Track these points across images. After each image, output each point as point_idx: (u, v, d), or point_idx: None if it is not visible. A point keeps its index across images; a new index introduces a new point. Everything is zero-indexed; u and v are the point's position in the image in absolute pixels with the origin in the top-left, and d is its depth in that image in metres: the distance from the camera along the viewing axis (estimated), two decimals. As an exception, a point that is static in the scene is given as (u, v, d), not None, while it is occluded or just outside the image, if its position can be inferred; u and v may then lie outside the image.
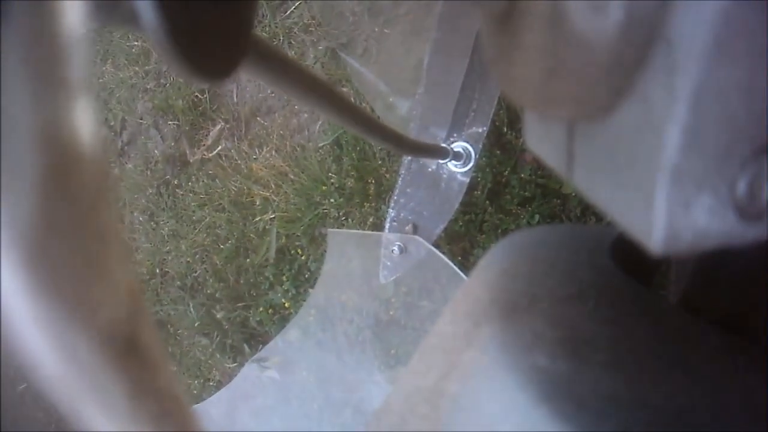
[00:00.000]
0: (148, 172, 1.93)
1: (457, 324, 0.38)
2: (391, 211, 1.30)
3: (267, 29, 1.72)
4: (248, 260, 1.69)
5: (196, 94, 1.85)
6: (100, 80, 2.04)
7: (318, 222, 1.59)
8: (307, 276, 1.60)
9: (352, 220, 1.52)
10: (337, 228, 1.52)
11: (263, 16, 1.72)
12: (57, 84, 0.15)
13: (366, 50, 1.56)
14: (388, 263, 1.31)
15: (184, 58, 0.24)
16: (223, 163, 1.77)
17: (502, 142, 1.38)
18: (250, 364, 1.54)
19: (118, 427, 0.18)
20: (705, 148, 0.20)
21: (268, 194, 1.66)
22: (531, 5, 0.23)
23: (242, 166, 1.73)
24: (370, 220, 1.50)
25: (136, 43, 1.99)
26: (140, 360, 0.18)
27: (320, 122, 1.65)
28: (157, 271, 1.87)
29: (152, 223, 1.90)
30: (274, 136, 1.70)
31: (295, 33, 1.69)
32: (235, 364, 1.67)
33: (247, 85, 1.78)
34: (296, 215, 1.61)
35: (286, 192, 1.64)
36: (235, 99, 1.80)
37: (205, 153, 1.82)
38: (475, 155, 1.23)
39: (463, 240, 1.40)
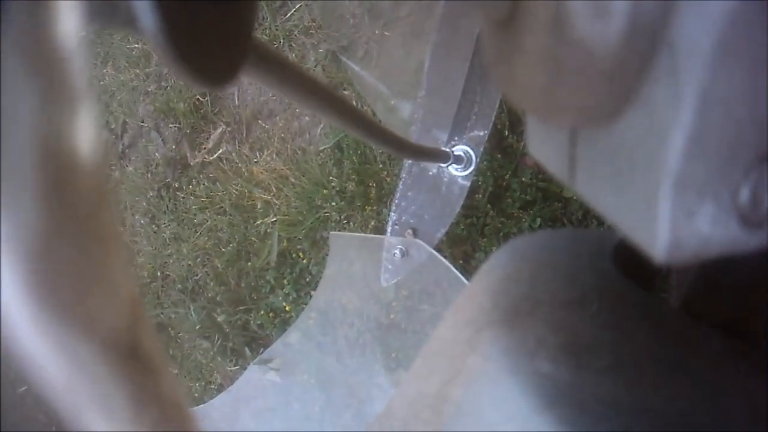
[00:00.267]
0: (149, 175, 1.93)
1: (459, 329, 0.38)
2: (392, 214, 1.30)
3: (267, 32, 1.72)
4: (249, 264, 1.69)
5: (198, 97, 1.85)
6: (101, 83, 2.04)
7: (319, 225, 1.59)
8: (308, 279, 1.60)
9: (354, 224, 1.52)
10: (339, 231, 1.51)
11: (263, 18, 1.72)
12: (57, 89, 0.15)
13: (367, 53, 1.56)
14: (390, 267, 1.31)
15: (185, 62, 0.24)
16: (224, 166, 1.77)
17: (504, 146, 1.38)
18: (252, 367, 1.54)
19: (120, 432, 0.18)
20: (708, 154, 0.20)
21: (269, 197, 1.66)
22: (533, 9, 0.23)
23: (243, 170, 1.73)
24: (372, 223, 1.50)
25: (136, 45, 1.99)
26: (142, 367, 0.18)
27: (321, 126, 1.65)
28: (158, 274, 1.87)
29: (153, 226, 1.90)
30: (276, 139, 1.70)
31: (295, 36, 1.69)
32: (237, 367, 1.67)
33: (248, 88, 1.78)
34: (297, 219, 1.61)
35: (287, 195, 1.64)
36: (236, 102, 1.80)
37: (206, 156, 1.82)
38: (476, 159, 1.23)
39: (464, 243, 1.40)
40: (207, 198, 1.79)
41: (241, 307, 1.70)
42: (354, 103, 1.55)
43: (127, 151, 2.01)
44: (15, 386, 1.96)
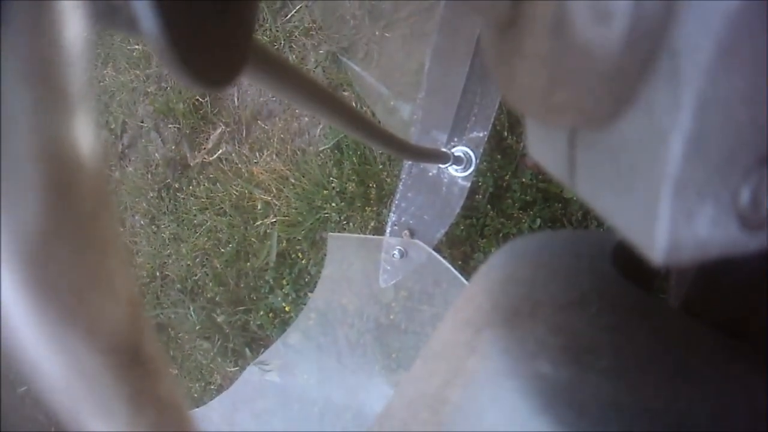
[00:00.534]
0: (149, 176, 1.93)
1: (459, 330, 0.38)
2: (392, 215, 1.30)
3: (268, 33, 1.72)
4: (249, 264, 1.69)
5: (197, 97, 1.85)
6: (101, 84, 2.04)
7: (319, 226, 1.59)
8: (307, 280, 1.60)
9: (353, 225, 1.52)
10: (339, 232, 1.52)
11: (264, 19, 1.72)
12: (58, 92, 0.15)
13: (367, 54, 1.56)
14: (389, 267, 1.31)
15: (185, 64, 0.24)
16: (224, 166, 1.77)
17: (503, 147, 1.38)
18: (251, 367, 1.54)
19: (118, 435, 0.18)
20: (708, 157, 0.20)
21: (269, 198, 1.67)
22: (533, 12, 0.23)
23: (243, 170, 1.73)
24: (372, 224, 1.50)
25: (136, 46, 1.99)
26: (141, 370, 0.18)
27: (321, 126, 1.65)
28: (158, 274, 1.87)
29: (153, 226, 1.90)
30: (275, 140, 1.70)
31: (295, 37, 1.70)
32: (237, 368, 1.67)
33: (248, 89, 1.78)
34: (297, 219, 1.61)
35: (287, 196, 1.64)
36: (236, 102, 1.80)
37: (206, 156, 1.82)
38: (476, 160, 1.23)
39: (464, 244, 1.40)
40: (207, 198, 1.79)
41: (240, 308, 1.70)
42: (354, 104, 1.55)
43: (126, 151, 2.01)
44: (15, 387, 1.96)
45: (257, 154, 1.73)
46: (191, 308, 1.77)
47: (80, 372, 0.17)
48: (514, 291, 0.39)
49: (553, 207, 1.33)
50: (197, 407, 1.61)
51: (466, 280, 1.21)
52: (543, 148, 0.30)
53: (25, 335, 0.16)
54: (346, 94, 1.60)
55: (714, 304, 0.46)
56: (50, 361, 0.16)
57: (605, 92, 0.21)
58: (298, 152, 1.66)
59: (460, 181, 1.25)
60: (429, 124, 1.27)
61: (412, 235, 1.28)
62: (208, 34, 0.26)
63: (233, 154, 1.77)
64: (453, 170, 1.25)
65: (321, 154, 1.61)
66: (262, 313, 1.64)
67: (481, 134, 1.23)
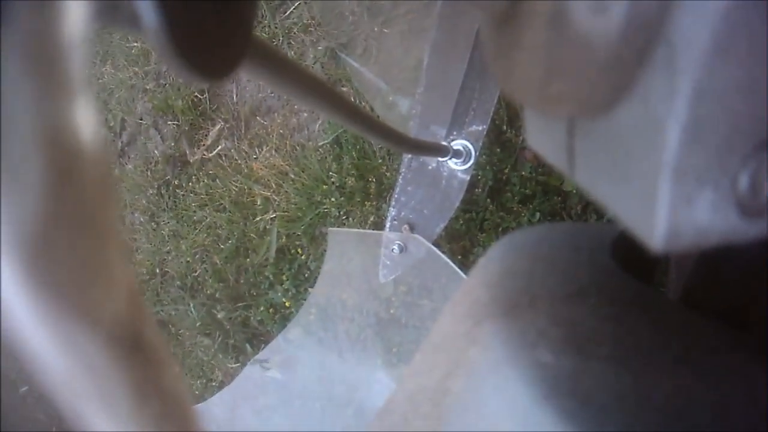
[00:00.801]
0: (149, 173, 1.93)
1: (458, 323, 0.38)
2: (391, 209, 1.30)
3: (266, 29, 1.72)
4: (248, 260, 1.69)
5: (196, 94, 1.85)
6: (100, 81, 2.04)
7: (319, 221, 1.59)
8: (307, 275, 1.60)
9: (353, 219, 1.52)
10: (338, 227, 1.52)
11: (263, 16, 1.72)
12: (59, 85, 0.15)
13: (366, 50, 1.56)
14: (388, 262, 1.31)
15: (185, 59, 0.24)
16: (224, 162, 1.77)
17: (502, 140, 1.38)
18: (252, 364, 1.54)
19: (120, 427, 0.18)
20: (706, 144, 0.20)
21: (268, 194, 1.67)
22: (531, 5, 0.23)
23: (242, 166, 1.73)
24: (371, 218, 1.50)
25: (135, 44, 1.99)
26: (144, 358, 0.18)
27: (320, 121, 1.65)
28: (158, 271, 1.87)
29: (153, 223, 1.90)
30: (274, 135, 1.70)
31: (294, 33, 1.69)
32: (238, 364, 1.67)
33: (246, 85, 1.78)
34: (297, 215, 1.61)
35: (286, 191, 1.64)
36: (234, 99, 1.80)
37: (205, 153, 1.82)
38: (476, 153, 1.23)
39: (463, 238, 1.40)
40: (206, 195, 1.79)
41: (240, 304, 1.70)
42: (353, 99, 1.55)
43: (126, 148, 2.01)
44: (16, 386, 1.96)
45: (256, 149, 1.72)
46: (191, 305, 1.77)
47: (82, 361, 0.17)
48: (512, 283, 0.39)
49: (553, 200, 1.34)
50: (198, 404, 1.61)
51: (466, 274, 1.21)
52: (542, 138, 0.30)
53: (25, 324, 0.16)
54: (345, 89, 1.60)
55: (714, 293, 0.46)
56: (51, 350, 0.16)
57: (603, 82, 0.21)
58: (298, 147, 1.66)
59: (459, 174, 1.25)
60: (428, 118, 1.27)
61: (412, 229, 1.28)
62: (208, 29, 0.26)
63: (232, 150, 1.76)
64: (452, 163, 1.25)
65: (320, 149, 1.61)
66: (262, 308, 1.64)
67: (480, 128, 1.23)
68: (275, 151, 1.69)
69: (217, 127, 1.81)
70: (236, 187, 1.73)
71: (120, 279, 0.17)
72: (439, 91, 1.25)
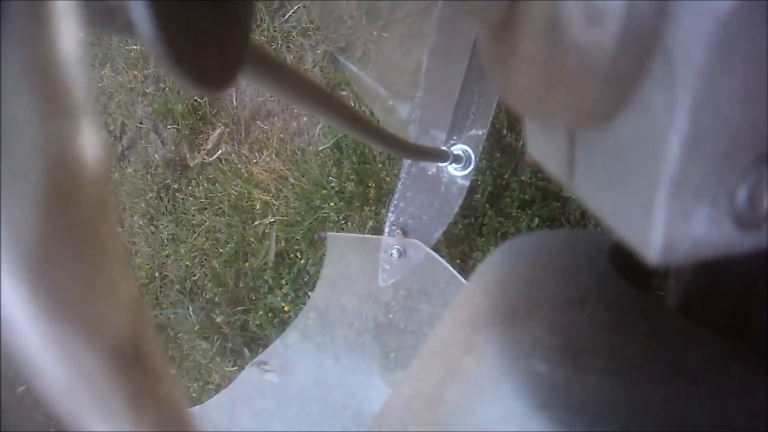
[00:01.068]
0: (148, 177, 1.93)
1: (456, 329, 0.38)
2: (390, 214, 1.30)
3: (265, 33, 1.72)
4: (247, 264, 1.69)
5: (196, 98, 1.85)
6: (99, 84, 2.04)
7: (318, 226, 1.59)
8: (306, 280, 1.60)
9: (352, 224, 1.52)
10: (337, 232, 1.52)
11: (261, 20, 1.72)
12: (58, 96, 0.15)
13: (365, 54, 1.56)
14: (387, 267, 1.31)
15: (182, 67, 0.24)
16: (223, 167, 1.77)
17: (502, 145, 1.38)
18: (250, 367, 1.54)
19: (118, 436, 0.18)
20: (705, 157, 0.20)
21: (268, 198, 1.67)
22: (528, 14, 0.23)
23: (242, 170, 1.73)
24: (370, 223, 1.50)
25: (135, 47, 1.99)
26: (142, 371, 0.18)
27: (320, 126, 1.65)
28: (157, 275, 1.87)
29: (152, 227, 1.90)
30: (274, 139, 1.70)
31: (293, 37, 1.69)
32: (235, 368, 1.67)
33: (246, 89, 1.78)
34: (296, 219, 1.61)
35: (286, 196, 1.64)
36: (234, 103, 1.80)
37: (205, 157, 1.82)
38: (475, 158, 1.23)
39: (462, 243, 1.40)
40: (206, 199, 1.79)
41: (239, 308, 1.70)
42: (352, 104, 1.55)
43: (126, 152, 2.01)
44: (14, 386, 1.96)
45: (256, 154, 1.73)
46: (190, 308, 1.76)
47: (81, 373, 0.17)
48: (511, 290, 0.39)
49: (552, 206, 1.33)
50: (195, 407, 1.61)
51: (465, 279, 1.21)
52: (543, 146, 0.30)
53: (25, 338, 0.16)
54: (344, 93, 1.60)
55: (713, 303, 0.46)
56: (51, 363, 0.16)
57: (601, 93, 0.21)
58: (298, 152, 1.66)
59: (459, 180, 1.25)
60: (428, 123, 1.27)
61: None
62: (205, 36, 0.26)
63: (232, 155, 1.76)
64: (452, 169, 1.25)
65: (320, 154, 1.61)
66: (261, 313, 1.64)
67: (479, 132, 1.23)
68: (275, 155, 1.69)
69: (218, 131, 1.81)
70: (236, 191, 1.73)
71: (121, 293, 0.17)
72: (438, 95, 1.25)
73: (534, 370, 0.31)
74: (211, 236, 1.77)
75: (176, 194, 1.86)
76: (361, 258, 1.39)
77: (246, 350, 1.67)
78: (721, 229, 0.21)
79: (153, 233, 1.89)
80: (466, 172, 1.24)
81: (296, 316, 1.50)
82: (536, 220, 1.34)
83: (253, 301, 1.68)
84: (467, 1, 0.26)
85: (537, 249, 0.43)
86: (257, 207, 1.68)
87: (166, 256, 1.86)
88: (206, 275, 1.77)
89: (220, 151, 1.80)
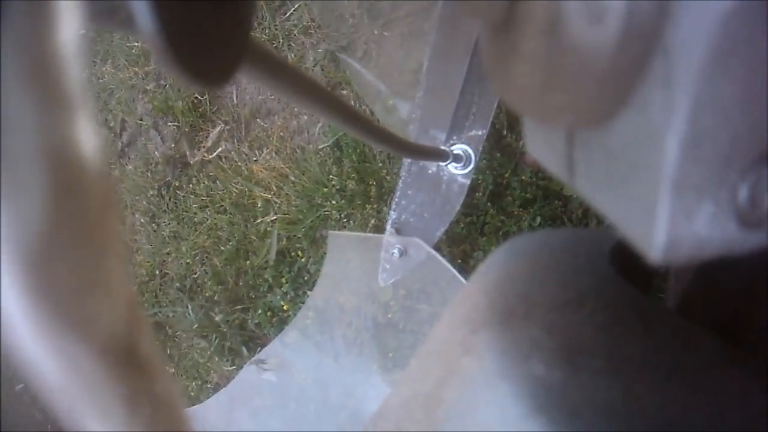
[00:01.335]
0: (149, 174, 1.93)
1: (455, 330, 0.38)
2: (392, 213, 1.30)
3: (266, 31, 1.72)
4: (248, 262, 1.69)
5: (196, 95, 1.85)
6: (100, 81, 2.04)
7: (319, 224, 1.59)
8: (306, 278, 1.60)
9: (354, 222, 1.52)
10: (339, 230, 1.52)
11: (262, 18, 1.72)
12: (58, 93, 0.15)
13: (366, 53, 1.56)
14: (388, 266, 1.31)
15: (182, 63, 0.24)
16: (224, 164, 1.77)
17: (503, 145, 1.38)
18: (248, 366, 1.54)
19: (113, 435, 0.18)
20: (705, 156, 0.20)
21: (269, 196, 1.67)
22: (529, 13, 0.23)
23: (243, 168, 1.73)
24: (372, 221, 1.50)
25: (136, 44, 1.99)
26: (138, 371, 0.18)
27: (320, 124, 1.65)
28: (157, 272, 1.87)
29: (153, 224, 1.90)
30: (274, 138, 1.70)
31: (294, 35, 1.69)
32: (233, 367, 1.67)
33: (246, 87, 1.78)
34: (297, 217, 1.61)
35: (287, 194, 1.64)
36: (234, 101, 1.80)
37: (206, 155, 1.82)
38: (476, 157, 1.23)
39: (464, 242, 1.40)
40: (207, 197, 1.79)
41: (238, 306, 1.70)
42: (352, 103, 1.55)
43: (126, 149, 2.01)
44: (12, 384, 1.96)
45: (257, 152, 1.73)
46: (189, 307, 1.77)
47: (77, 372, 0.17)
48: (511, 290, 0.39)
49: (554, 204, 1.33)
50: (193, 406, 1.61)
51: (466, 279, 1.21)
52: (542, 146, 0.30)
53: (23, 335, 0.16)
54: (344, 92, 1.60)
55: (713, 304, 0.46)
56: (48, 360, 0.16)
57: (600, 92, 0.21)
58: (298, 150, 1.66)
59: (459, 178, 1.25)
60: (428, 122, 1.27)
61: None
62: (205, 32, 0.26)
63: (233, 152, 1.77)
64: (452, 168, 1.25)
65: (320, 152, 1.61)
66: (260, 311, 1.64)
67: (480, 133, 1.23)
68: (275, 153, 1.69)
69: (218, 128, 1.81)
70: (237, 189, 1.73)
71: (118, 292, 0.17)
72: (439, 95, 1.25)
73: (531, 372, 0.31)
74: (212, 234, 1.77)
75: (177, 192, 1.86)
76: (362, 257, 1.39)
77: (244, 349, 1.67)
78: (724, 227, 0.21)
79: (154, 231, 1.89)
80: (466, 171, 1.24)
81: (295, 315, 1.50)
82: (538, 218, 1.34)
83: (252, 300, 1.68)
84: (468, 1, 0.25)
85: (538, 248, 0.43)
86: (259, 205, 1.68)
87: (167, 253, 1.86)
88: (206, 273, 1.77)
89: (220, 149, 1.80)
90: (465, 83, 1.20)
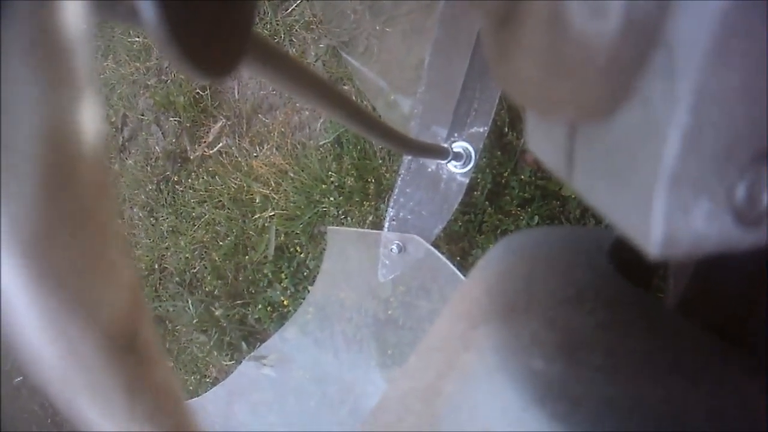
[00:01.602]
0: (149, 168, 1.93)
1: (454, 324, 0.38)
2: (390, 210, 1.30)
3: (268, 26, 1.72)
4: (247, 257, 1.69)
5: (198, 90, 1.85)
6: (102, 76, 2.04)
7: (317, 220, 1.59)
8: (305, 274, 1.60)
9: (352, 219, 1.52)
10: (337, 226, 1.52)
11: (264, 13, 1.72)
12: (60, 81, 0.15)
13: (367, 49, 1.56)
14: (387, 262, 1.31)
15: (185, 55, 0.24)
16: (224, 160, 1.77)
17: (503, 143, 1.38)
18: (248, 361, 1.54)
19: (114, 423, 0.18)
20: (704, 152, 0.20)
21: (267, 192, 1.66)
22: (531, 7, 0.23)
23: (242, 164, 1.73)
24: (370, 218, 1.50)
25: (137, 39, 1.99)
26: (139, 357, 0.18)
27: (321, 120, 1.65)
28: (156, 267, 1.87)
29: (152, 219, 1.90)
30: (275, 133, 1.70)
31: (296, 31, 1.69)
32: (233, 362, 1.67)
33: (248, 82, 1.78)
34: (296, 213, 1.61)
35: (285, 190, 1.64)
36: (236, 96, 1.80)
37: (206, 150, 1.82)
38: (476, 156, 1.23)
39: (462, 240, 1.40)
40: (206, 192, 1.79)
41: (238, 301, 1.70)
42: (354, 98, 1.55)
43: (126, 144, 2.01)
44: (11, 377, 1.96)
45: (257, 147, 1.72)
46: (189, 301, 1.77)
47: (77, 358, 0.17)
48: (510, 286, 0.39)
49: (552, 204, 1.33)
50: (192, 400, 1.61)
51: (464, 276, 1.21)
52: (542, 140, 0.30)
53: (23, 320, 0.16)
54: (346, 88, 1.60)
55: (712, 302, 0.46)
56: (48, 346, 0.16)
57: (602, 86, 0.21)
58: (298, 146, 1.66)
59: (458, 177, 1.25)
60: (429, 119, 1.27)
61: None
62: (208, 24, 0.26)
63: (233, 148, 1.76)
64: (452, 166, 1.25)
65: (321, 149, 1.61)
66: (260, 306, 1.64)
67: (481, 130, 1.23)
68: (276, 149, 1.69)
69: (219, 124, 1.81)
70: (236, 184, 1.73)
71: (119, 276, 0.17)
72: (440, 91, 1.25)
73: (531, 365, 0.31)
74: (211, 229, 1.77)
75: (176, 186, 1.86)
76: (361, 253, 1.39)
77: (243, 344, 1.67)
78: (722, 224, 0.21)
79: (153, 225, 1.89)
80: (466, 169, 1.24)
81: (295, 310, 1.50)
82: (536, 218, 1.34)
83: (252, 295, 1.68)
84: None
85: (536, 245, 0.43)
86: (257, 200, 1.68)
87: (166, 248, 1.86)
88: (206, 268, 1.77)
89: (220, 144, 1.80)
90: (466, 79, 1.20)
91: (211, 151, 1.81)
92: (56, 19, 0.15)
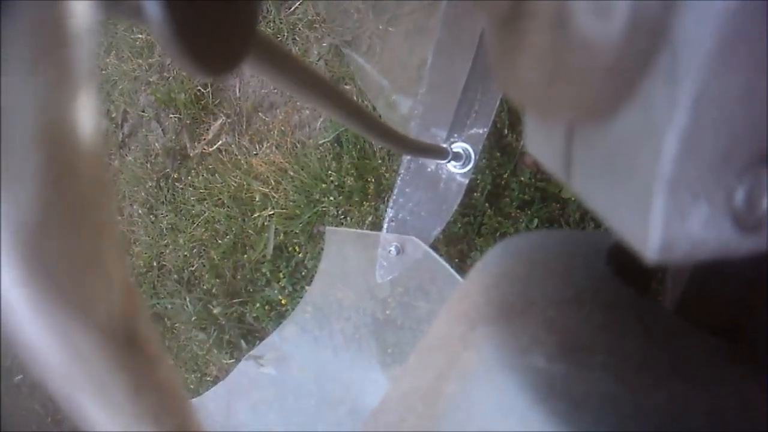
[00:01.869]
0: (148, 165, 1.93)
1: (453, 326, 0.38)
2: (389, 210, 1.30)
3: (271, 25, 1.72)
4: (245, 256, 1.69)
5: (199, 88, 1.85)
6: (103, 72, 2.04)
7: (317, 220, 1.59)
8: (303, 273, 1.60)
9: (351, 219, 1.52)
10: (336, 226, 1.52)
11: (268, 11, 1.72)
12: (60, 77, 0.15)
13: (370, 48, 1.56)
14: (385, 263, 1.31)
15: (188, 52, 0.24)
16: (224, 157, 1.77)
17: (503, 144, 1.38)
18: (247, 360, 1.54)
19: (117, 421, 0.18)
20: (704, 156, 0.20)
21: (267, 190, 1.66)
22: (535, 8, 0.23)
23: (242, 162, 1.73)
24: (369, 219, 1.50)
25: (140, 35, 1.99)
26: (139, 354, 0.18)
27: (321, 119, 1.65)
28: (155, 264, 1.87)
29: (151, 216, 1.90)
30: (275, 132, 1.70)
31: (299, 29, 1.69)
32: (232, 360, 1.67)
33: (249, 80, 1.78)
34: (295, 212, 1.61)
35: (285, 189, 1.64)
36: (237, 94, 1.80)
37: (206, 147, 1.82)
38: (475, 157, 1.23)
39: (461, 242, 1.40)
40: (205, 189, 1.78)
41: (237, 300, 1.70)
42: (355, 97, 1.55)
43: (127, 140, 2.01)
44: (11, 375, 1.96)
45: (257, 145, 1.72)
46: (187, 299, 1.77)
47: (76, 355, 0.17)
48: (508, 288, 0.39)
49: (551, 207, 1.33)
50: (193, 398, 1.61)
51: (462, 278, 1.21)
52: (541, 144, 0.30)
53: (22, 318, 0.16)
54: (347, 87, 1.60)
55: (710, 305, 0.46)
56: (47, 342, 0.16)
57: (605, 87, 0.21)
58: (298, 145, 1.66)
59: (458, 177, 1.25)
60: (429, 119, 1.27)
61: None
62: (212, 22, 0.26)
63: (233, 146, 1.76)
64: (452, 166, 1.25)
65: (321, 148, 1.61)
66: (258, 305, 1.64)
67: (481, 131, 1.23)
68: (275, 147, 1.69)
69: (219, 121, 1.81)
70: (235, 182, 1.73)
71: (115, 275, 0.17)
72: (441, 92, 1.24)
73: (532, 364, 0.32)
74: (210, 227, 1.77)
75: (176, 184, 1.86)
76: (359, 253, 1.39)
77: (243, 342, 1.67)
78: (720, 229, 0.21)
79: (152, 222, 1.89)
80: (466, 170, 1.24)
81: (293, 309, 1.50)
82: (535, 220, 1.33)
83: (250, 294, 1.68)
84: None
85: (534, 248, 0.43)
86: (256, 199, 1.68)
87: (165, 245, 1.86)
88: (204, 266, 1.77)
89: (220, 142, 1.80)
90: (468, 80, 1.20)
91: (210, 149, 1.81)
92: (59, 16, 0.15)
